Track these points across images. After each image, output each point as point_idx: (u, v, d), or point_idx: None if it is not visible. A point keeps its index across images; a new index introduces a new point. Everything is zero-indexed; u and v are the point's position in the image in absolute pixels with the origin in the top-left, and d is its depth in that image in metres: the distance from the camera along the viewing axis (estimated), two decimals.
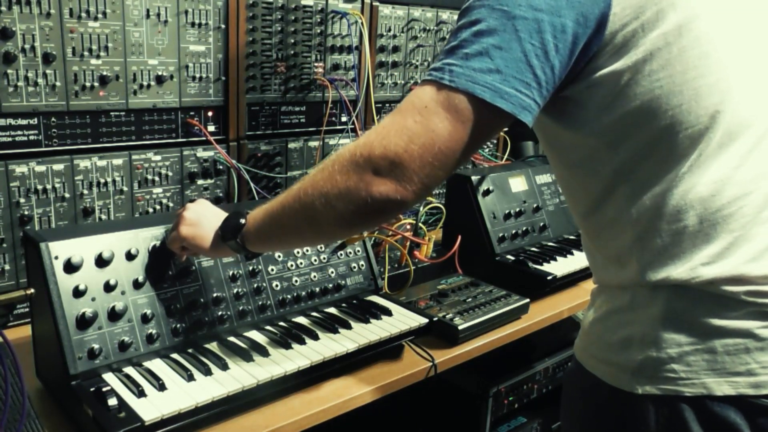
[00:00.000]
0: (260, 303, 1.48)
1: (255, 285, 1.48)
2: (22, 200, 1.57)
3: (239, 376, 1.28)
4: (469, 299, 1.79)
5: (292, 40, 2.01)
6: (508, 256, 2.01)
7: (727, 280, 1.04)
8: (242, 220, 1.26)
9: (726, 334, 1.04)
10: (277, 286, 1.52)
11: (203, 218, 1.33)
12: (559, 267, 1.97)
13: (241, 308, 1.45)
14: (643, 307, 1.10)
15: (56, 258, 1.23)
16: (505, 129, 2.66)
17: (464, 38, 1.03)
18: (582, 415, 1.25)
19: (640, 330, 1.10)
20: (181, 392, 1.22)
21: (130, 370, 1.27)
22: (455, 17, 2.41)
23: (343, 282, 1.64)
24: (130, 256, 1.33)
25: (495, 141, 2.76)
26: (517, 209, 2.10)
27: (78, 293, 1.24)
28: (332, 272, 1.63)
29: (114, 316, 1.27)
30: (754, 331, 1.03)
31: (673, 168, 1.05)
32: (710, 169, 1.04)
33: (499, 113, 1.02)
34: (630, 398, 1.10)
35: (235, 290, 1.45)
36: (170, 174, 1.80)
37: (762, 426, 1.04)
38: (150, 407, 1.16)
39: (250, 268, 1.48)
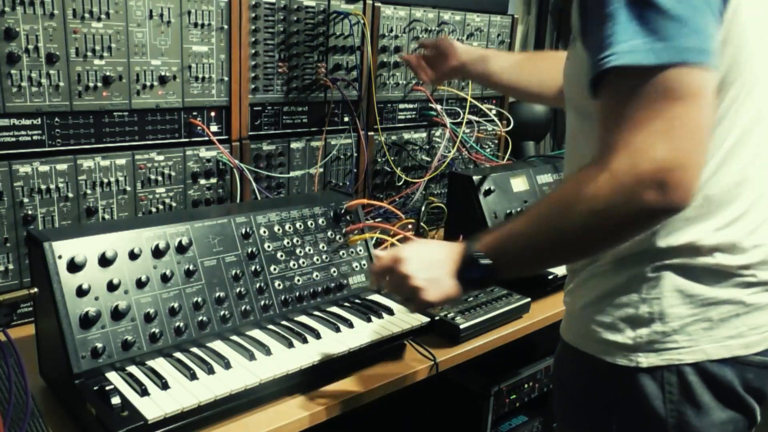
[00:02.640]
0: (263, 302, 1.49)
1: (258, 284, 1.49)
2: (25, 200, 1.58)
3: (242, 375, 1.29)
4: (471, 298, 1.79)
5: (295, 41, 2.01)
6: None
7: (726, 248, 1.15)
8: (483, 261, 1.15)
9: (721, 303, 1.16)
10: (279, 285, 1.53)
11: (429, 263, 1.22)
12: (560, 266, 1.97)
13: (243, 307, 1.45)
14: (646, 286, 1.17)
15: (60, 257, 1.24)
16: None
17: (646, 13, 0.97)
18: (582, 396, 1.29)
19: (644, 308, 1.17)
20: (184, 391, 1.22)
21: (133, 369, 1.28)
22: (457, 18, 2.43)
23: (345, 281, 1.65)
24: (133, 256, 1.33)
25: (497, 141, 2.77)
26: (518, 209, 2.11)
27: (81, 292, 1.25)
28: (334, 271, 1.63)
29: (117, 315, 1.28)
30: (743, 298, 1.16)
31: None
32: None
33: (710, 73, 0.98)
34: (634, 372, 1.18)
35: (237, 289, 1.45)
36: (173, 174, 1.81)
37: (749, 380, 1.18)
38: (153, 406, 1.17)
39: (253, 267, 1.49)
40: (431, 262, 1.22)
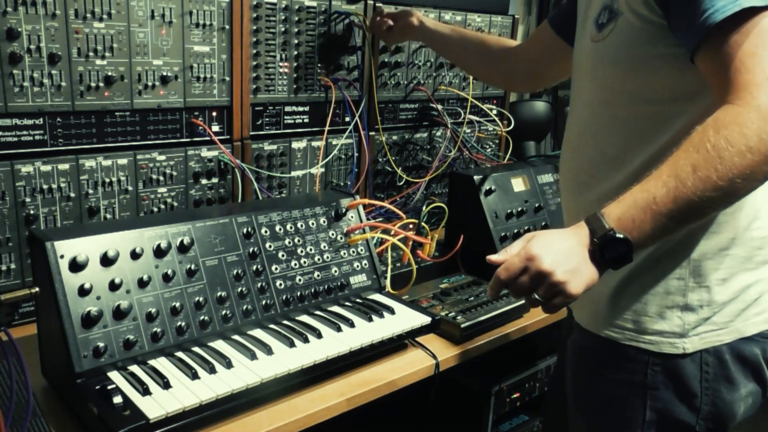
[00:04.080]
0: (264, 302, 1.49)
1: (259, 284, 1.49)
2: (27, 200, 1.58)
3: (243, 375, 1.29)
4: (472, 298, 1.79)
5: (296, 41, 2.02)
6: None
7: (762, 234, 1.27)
8: (620, 236, 1.08)
9: (753, 284, 1.27)
10: (281, 285, 1.53)
11: (564, 254, 1.12)
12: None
13: (245, 307, 1.46)
14: (694, 274, 1.25)
15: (62, 257, 1.24)
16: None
17: None
18: (609, 384, 1.33)
19: (693, 296, 1.26)
20: (186, 390, 1.23)
21: (135, 368, 1.28)
22: (458, 18, 2.43)
23: (347, 281, 1.65)
24: (134, 255, 1.33)
25: (497, 141, 2.77)
26: (519, 209, 2.11)
27: (83, 292, 1.25)
28: (336, 271, 1.64)
29: (119, 314, 1.28)
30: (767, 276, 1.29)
31: None
32: None
33: None
34: (676, 360, 1.26)
35: (239, 289, 1.46)
36: (175, 174, 1.81)
37: (767, 352, 1.29)
38: (155, 405, 1.17)
39: (254, 267, 1.49)
40: (566, 252, 1.11)
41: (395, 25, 2.10)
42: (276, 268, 1.53)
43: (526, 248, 1.14)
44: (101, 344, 1.24)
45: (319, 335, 1.46)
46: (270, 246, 1.54)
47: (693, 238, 1.25)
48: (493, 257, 1.20)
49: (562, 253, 1.11)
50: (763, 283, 1.29)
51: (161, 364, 1.31)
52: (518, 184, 2.16)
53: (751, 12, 1.01)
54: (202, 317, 1.39)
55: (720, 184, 1.01)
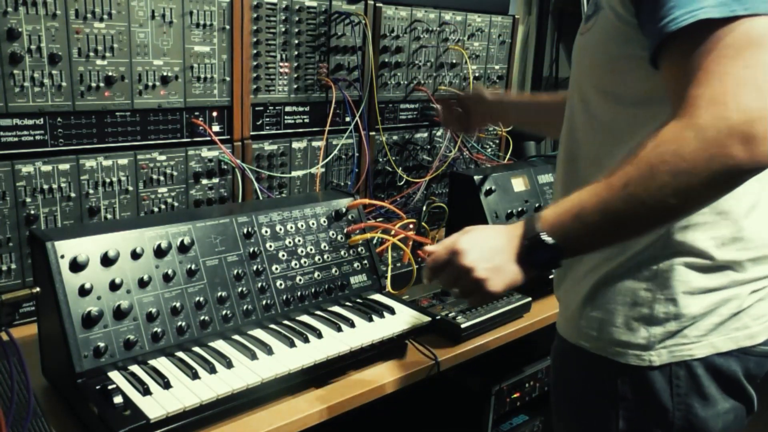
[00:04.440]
0: (265, 302, 1.49)
1: (259, 284, 1.49)
2: (28, 200, 1.59)
3: (244, 375, 1.29)
4: None
5: (296, 41, 2.02)
6: None
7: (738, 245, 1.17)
8: (549, 241, 1.07)
9: (731, 298, 1.17)
10: (281, 285, 1.53)
11: (490, 251, 1.14)
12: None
13: (245, 307, 1.46)
14: (661, 286, 1.17)
15: (62, 257, 1.25)
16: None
17: None
18: (584, 392, 1.30)
19: (660, 308, 1.18)
20: (186, 390, 1.23)
21: (135, 368, 1.29)
22: (458, 18, 2.43)
23: (347, 281, 1.65)
24: (135, 255, 1.34)
25: (497, 141, 2.77)
26: (519, 209, 2.11)
27: (84, 292, 1.25)
28: (336, 271, 1.64)
29: (119, 314, 1.28)
30: (748, 291, 1.18)
31: None
32: None
33: None
34: (645, 370, 1.18)
35: (239, 289, 1.46)
36: (175, 174, 1.81)
37: (750, 369, 1.20)
38: (155, 405, 1.17)
39: (255, 267, 1.49)
40: (492, 250, 1.13)
41: (471, 111, 1.95)
42: (276, 268, 1.53)
43: (455, 242, 1.16)
44: (102, 344, 1.24)
45: (319, 335, 1.46)
46: (270, 246, 1.54)
47: (665, 245, 1.18)
48: (428, 247, 1.22)
49: (488, 251, 1.13)
50: (742, 298, 1.18)
51: (162, 364, 1.31)
52: (518, 184, 2.16)
53: (708, 24, 0.95)
54: (202, 317, 1.39)
55: (649, 202, 0.98)
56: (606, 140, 1.22)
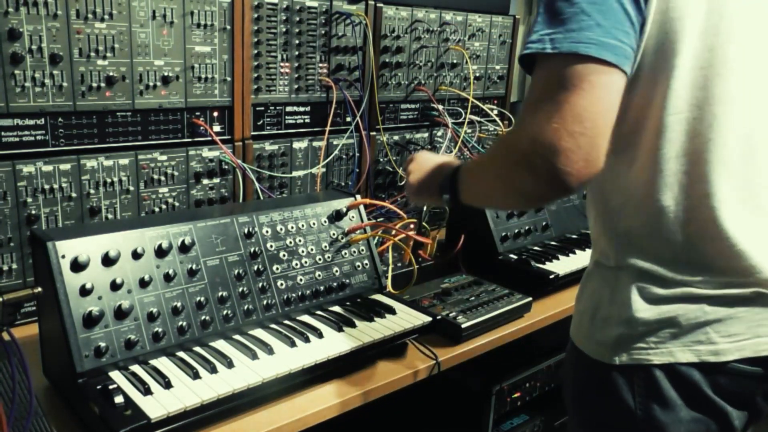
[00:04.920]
0: (265, 301, 1.50)
1: (260, 284, 1.49)
2: (29, 200, 1.59)
3: (244, 374, 1.29)
4: (472, 298, 1.80)
5: (297, 41, 2.02)
6: (511, 255, 2.01)
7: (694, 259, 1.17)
8: (452, 183, 1.32)
9: (688, 311, 1.16)
10: (282, 285, 1.53)
11: (424, 171, 1.50)
12: (561, 266, 1.98)
13: (246, 307, 1.46)
14: (615, 291, 1.23)
15: (63, 257, 1.25)
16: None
17: (557, 6, 1.04)
18: (572, 384, 1.37)
19: (614, 311, 1.22)
20: (187, 390, 1.23)
21: (136, 368, 1.29)
22: (459, 18, 2.43)
23: (348, 281, 1.65)
24: (136, 255, 1.34)
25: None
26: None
27: (85, 292, 1.25)
28: (336, 271, 1.64)
29: (120, 314, 1.28)
30: (712, 306, 1.16)
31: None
32: None
33: (607, 67, 1.01)
34: (609, 368, 1.22)
35: (240, 289, 1.46)
36: (176, 174, 1.82)
37: (722, 384, 1.17)
38: (156, 405, 1.17)
39: (255, 267, 1.49)
40: (425, 170, 1.49)
41: None
42: (277, 268, 1.54)
43: (416, 154, 1.62)
44: (103, 344, 1.25)
45: (320, 335, 1.46)
46: (271, 246, 1.54)
47: (619, 254, 1.23)
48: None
49: (423, 168, 1.51)
50: (702, 311, 1.16)
51: (162, 363, 1.31)
52: None
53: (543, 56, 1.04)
54: (203, 317, 1.39)
55: (483, 187, 1.27)
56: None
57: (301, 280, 1.57)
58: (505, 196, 1.20)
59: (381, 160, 2.36)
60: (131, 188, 1.74)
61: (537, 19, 1.07)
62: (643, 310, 1.19)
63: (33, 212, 1.60)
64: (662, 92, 1.11)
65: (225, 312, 1.43)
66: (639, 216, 1.19)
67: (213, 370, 1.29)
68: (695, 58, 1.09)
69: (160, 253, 1.37)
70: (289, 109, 2.06)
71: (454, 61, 2.51)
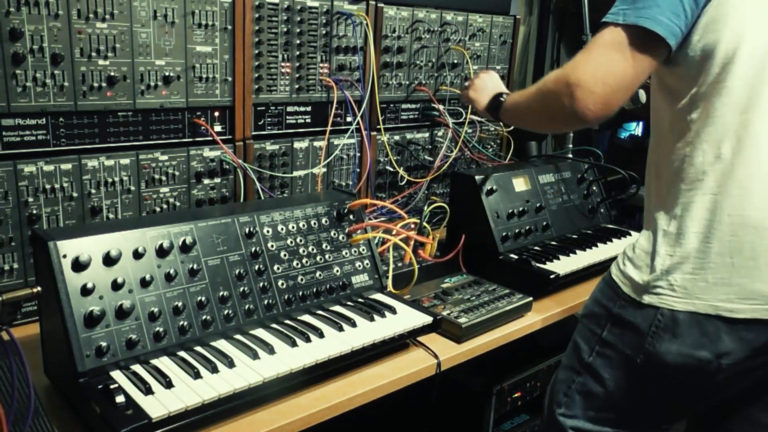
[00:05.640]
0: (266, 301, 1.50)
1: (261, 283, 1.50)
2: (30, 199, 1.59)
3: (246, 374, 1.30)
4: (473, 298, 1.80)
5: (298, 41, 2.02)
6: (512, 255, 2.02)
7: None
8: (502, 98, 1.85)
9: (717, 268, 1.39)
10: (282, 284, 1.53)
11: (484, 89, 2.00)
12: (561, 266, 1.98)
13: (247, 306, 1.46)
14: (659, 242, 1.47)
15: (64, 257, 1.25)
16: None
17: None
18: (596, 301, 1.61)
19: (658, 260, 1.46)
20: (188, 390, 1.23)
21: (137, 367, 1.29)
22: (459, 18, 2.43)
23: (348, 280, 1.65)
24: (137, 255, 1.34)
25: (499, 141, 2.77)
26: (521, 209, 2.11)
27: (86, 291, 1.25)
28: (337, 271, 1.64)
29: (121, 314, 1.28)
30: (735, 266, 1.39)
31: None
32: None
33: (656, 38, 1.34)
34: (639, 304, 1.48)
35: (241, 289, 1.46)
36: (177, 173, 1.82)
37: (742, 335, 1.39)
38: (157, 404, 1.18)
39: (256, 267, 1.50)
40: (487, 85, 2.03)
41: None
42: (278, 268, 1.54)
43: (479, 74, 2.12)
44: (104, 344, 1.25)
45: (321, 335, 1.46)
46: (272, 246, 1.54)
47: (667, 203, 1.48)
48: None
49: (482, 86, 2.04)
50: (730, 274, 1.39)
51: (164, 363, 1.31)
52: (519, 184, 2.16)
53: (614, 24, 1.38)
54: (204, 317, 1.39)
55: (531, 114, 1.67)
56: (653, 141, 1.59)
57: (302, 279, 1.57)
58: (540, 111, 1.57)
59: (382, 160, 2.36)
60: (132, 188, 1.74)
61: None
62: (681, 264, 1.43)
63: (34, 212, 1.60)
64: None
65: (226, 312, 1.43)
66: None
67: (214, 369, 1.30)
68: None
69: (161, 252, 1.37)
70: (290, 108, 2.07)
71: (455, 61, 2.51)
